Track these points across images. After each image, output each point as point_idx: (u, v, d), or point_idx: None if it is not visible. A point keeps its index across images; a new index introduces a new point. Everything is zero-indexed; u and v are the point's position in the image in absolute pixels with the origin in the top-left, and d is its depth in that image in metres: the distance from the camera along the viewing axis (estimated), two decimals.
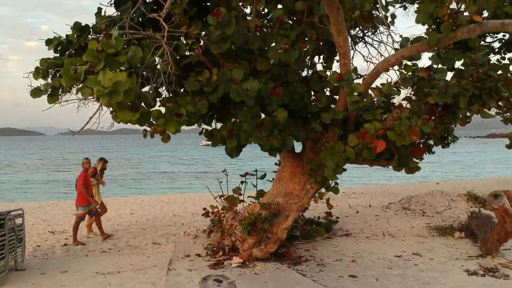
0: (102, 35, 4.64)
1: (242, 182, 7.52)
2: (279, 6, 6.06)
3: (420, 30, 6.76)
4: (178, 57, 5.38)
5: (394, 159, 5.71)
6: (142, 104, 4.97)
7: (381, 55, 8.07)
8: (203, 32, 5.50)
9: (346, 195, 13.41)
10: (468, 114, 6.25)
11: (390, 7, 8.20)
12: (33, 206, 13.17)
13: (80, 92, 4.87)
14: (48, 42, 6.80)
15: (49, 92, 6.14)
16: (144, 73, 5.00)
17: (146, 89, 5.24)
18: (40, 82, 6.02)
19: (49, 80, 6.22)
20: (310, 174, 5.94)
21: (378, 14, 7.74)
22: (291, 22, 6.14)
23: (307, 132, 5.72)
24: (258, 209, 6.06)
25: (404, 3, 10.48)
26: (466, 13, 4.59)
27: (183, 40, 5.67)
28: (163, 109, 5.16)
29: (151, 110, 4.87)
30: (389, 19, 7.64)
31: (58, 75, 6.37)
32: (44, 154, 68.45)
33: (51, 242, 8.17)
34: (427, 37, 4.62)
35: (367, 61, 8.34)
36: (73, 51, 6.78)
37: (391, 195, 13.50)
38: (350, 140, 5.63)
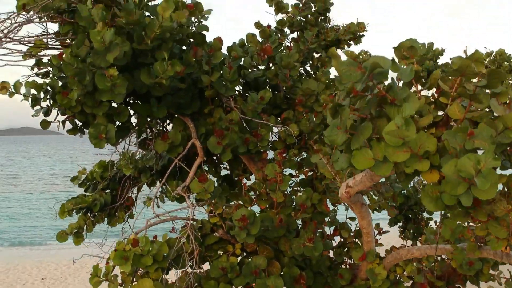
0: (131, 241, 4.70)
1: None
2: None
3: None
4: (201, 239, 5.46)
5: None
6: None
7: None
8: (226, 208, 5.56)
9: None
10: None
11: None
12: (55, 275, 13.34)
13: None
14: (74, 179, 6.98)
15: (74, 232, 6.28)
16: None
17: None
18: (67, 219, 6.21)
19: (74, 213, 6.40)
20: None
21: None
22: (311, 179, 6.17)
23: None
24: None
25: None
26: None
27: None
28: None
29: None
30: None
31: (82, 212, 6.54)
32: (56, 163, 66.02)
33: None
34: (455, 256, 4.64)
35: None
36: (97, 187, 6.96)
37: None
38: None
